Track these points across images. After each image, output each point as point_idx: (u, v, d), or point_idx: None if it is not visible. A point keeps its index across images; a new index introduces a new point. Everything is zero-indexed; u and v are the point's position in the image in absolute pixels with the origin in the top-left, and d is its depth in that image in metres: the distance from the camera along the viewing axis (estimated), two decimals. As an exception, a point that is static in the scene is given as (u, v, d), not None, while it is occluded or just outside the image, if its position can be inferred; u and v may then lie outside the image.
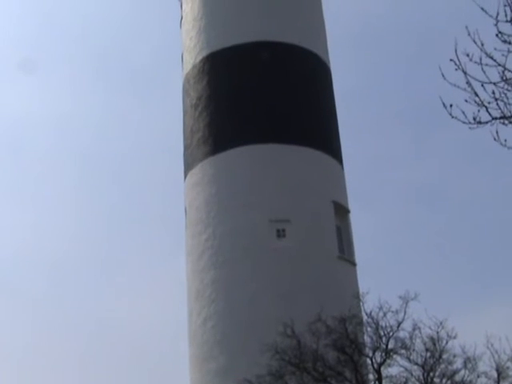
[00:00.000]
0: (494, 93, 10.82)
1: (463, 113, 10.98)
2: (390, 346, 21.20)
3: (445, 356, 21.00)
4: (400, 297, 21.52)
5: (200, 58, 30.02)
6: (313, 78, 29.84)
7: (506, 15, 10.79)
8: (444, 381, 20.89)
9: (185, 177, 29.18)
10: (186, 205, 28.87)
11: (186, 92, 30.54)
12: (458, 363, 21.03)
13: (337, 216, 27.56)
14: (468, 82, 10.87)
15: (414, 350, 21.18)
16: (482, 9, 10.95)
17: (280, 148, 27.47)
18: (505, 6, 10.74)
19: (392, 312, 21.44)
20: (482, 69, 10.92)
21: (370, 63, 61.40)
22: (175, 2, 34.34)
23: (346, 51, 55.97)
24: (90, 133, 62.68)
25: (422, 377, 20.77)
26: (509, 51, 10.84)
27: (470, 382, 20.85)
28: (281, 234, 26.29)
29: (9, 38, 65.31)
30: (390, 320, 21.38)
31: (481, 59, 11.00)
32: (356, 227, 28.55)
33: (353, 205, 28.89)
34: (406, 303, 21.39)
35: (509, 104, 10.81)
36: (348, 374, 20.99)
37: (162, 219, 51.51)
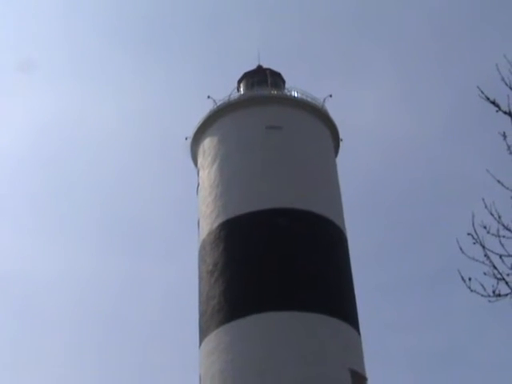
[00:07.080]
0: (512, 265, 10.77)
1: (482, 285, 10.92)
2: None
3: None
4: None
5: (216, 224, 30.17)
6: (329, 245, 29.87)
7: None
8: None
9: (200, 344, 28.73)
10: (200, 372, 28.26)
11: (201, 258, 30.45)
12: None
13: (354, 383, 26.97)
14: (486, 255, 10.85)
15: None
16: (499, 181, 11.05)
17: (296, 315, 27.11)
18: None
19: None
20: (500, 241, 10.92)
21: (385, 229, 61.81)
22: (192, 169, 34.93)
23: (360, 216, 56.46)
24: (105, 299, 63.04)
25: None
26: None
27: None
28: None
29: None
30: None
31: (498, 231, 11.01)
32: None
33: (370, 369, 28.30)
34: None
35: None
36: None
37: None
